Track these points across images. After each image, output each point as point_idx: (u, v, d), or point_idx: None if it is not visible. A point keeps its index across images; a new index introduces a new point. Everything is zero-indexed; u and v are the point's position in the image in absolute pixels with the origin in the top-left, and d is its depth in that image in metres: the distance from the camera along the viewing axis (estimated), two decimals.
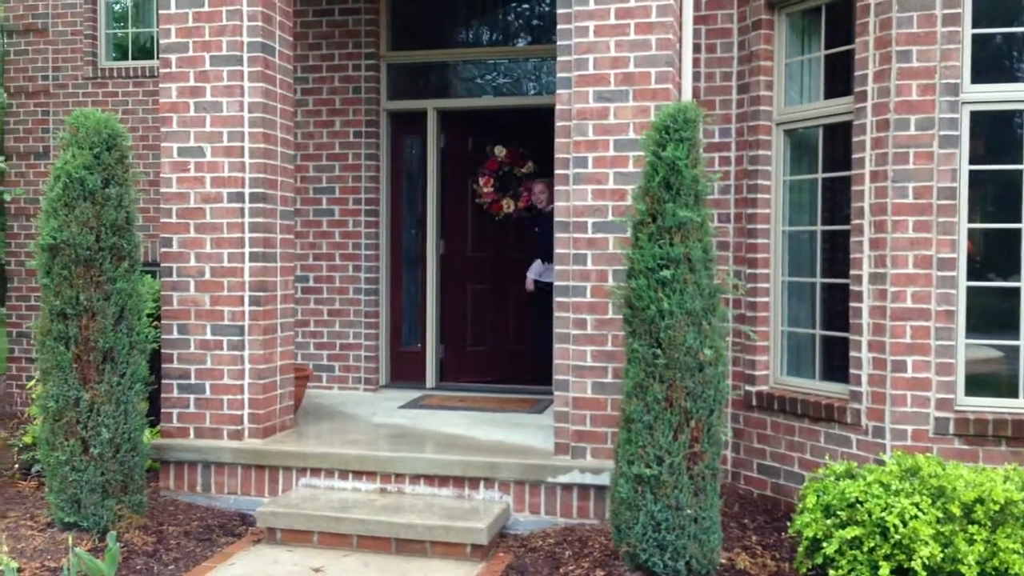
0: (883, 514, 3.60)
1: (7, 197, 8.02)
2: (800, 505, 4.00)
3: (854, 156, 4.67)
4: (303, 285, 7.29)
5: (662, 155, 3.93)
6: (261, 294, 5.32)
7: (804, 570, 3.88)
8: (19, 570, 4.21)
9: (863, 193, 4.60)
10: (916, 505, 3.59)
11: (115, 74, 8.56)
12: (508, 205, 7.38)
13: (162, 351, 5.40)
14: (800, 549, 3.90)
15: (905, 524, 3.54)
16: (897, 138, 4.47)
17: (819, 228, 5.09)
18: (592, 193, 4.81)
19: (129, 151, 4.89)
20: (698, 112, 4.01)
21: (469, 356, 7.54)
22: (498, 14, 7.44)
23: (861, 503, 3.69)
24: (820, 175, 5.07)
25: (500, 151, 7.37)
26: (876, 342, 4.55)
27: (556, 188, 4.93)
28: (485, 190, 7.41)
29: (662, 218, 3.94)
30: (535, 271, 7.36)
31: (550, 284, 6.97)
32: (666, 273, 3.89)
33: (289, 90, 5.66)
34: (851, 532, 3.62)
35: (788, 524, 4.72)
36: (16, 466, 5.81)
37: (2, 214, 10.47)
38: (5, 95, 8.60)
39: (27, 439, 5.88)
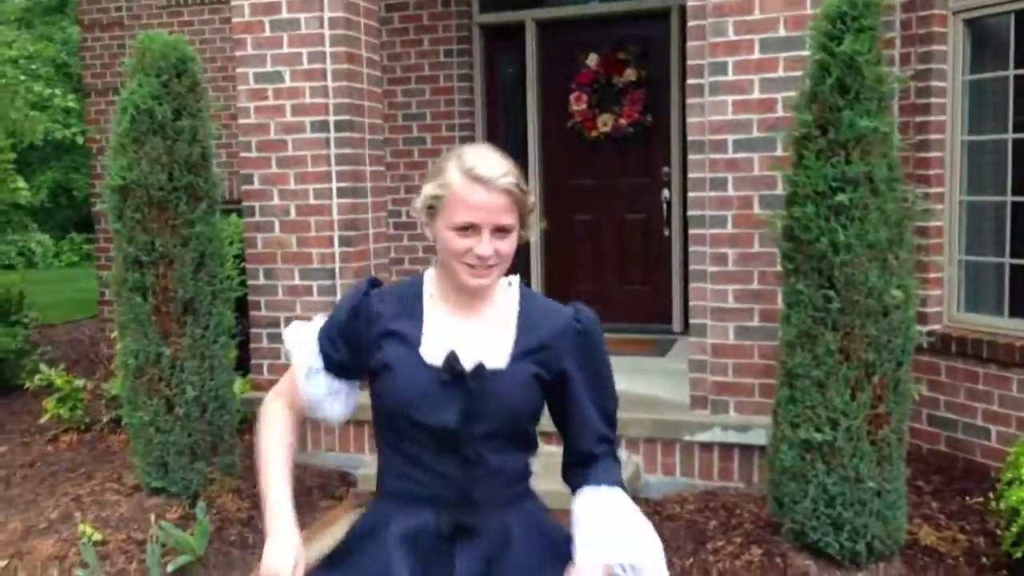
0: None
1: (78, 139, 7.66)
2: (1009, 474, 3.29)
3: None
4: (395, 220, 6.73)
5: (837, 50, 3.16)
6: (352, 233, 4.77)
7: (1018, 555, 3.19)
8: (103, 542, 3.84)
9: None
10: None
11: (191, 2, 8.05)
12: (604, 123, 6.54)
13: (249, 298, 4.93)
14: (1012, 528, 3.20)
15: None
16: None
17: (1010, 136, 4.23)
18: (733, 105, 4.06)
19: (201, 78, 4.35)
20: None
21: (579, 295, 6.90)
22: None
23: None
24: (1012, 71, 4.19)
25: (592, 59, 6.54)
26: None
27: (689, 102, 4.20)
28: (577, 108, 6.60)
29: (836, 130, 3.19)
30: None
31: None
32: (842, 197, 3.16)
33: (373, 2, 5.02)
34: None
35: (971, 486, 4.03)
36: (105, 419, 5.47)
37: (80, 152, 10.23)
38: (78, 29, 8.18)
39: (113, 391, 5.54)
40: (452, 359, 1.71)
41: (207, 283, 4.22)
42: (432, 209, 1.73)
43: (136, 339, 4.16)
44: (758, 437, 3.99)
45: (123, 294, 4.19)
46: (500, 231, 1.70)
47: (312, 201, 4.76)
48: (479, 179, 1.66)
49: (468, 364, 1.72)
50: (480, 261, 1.69)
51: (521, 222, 1.75)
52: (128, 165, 4.10)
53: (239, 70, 4.85)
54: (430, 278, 1.83)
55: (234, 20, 4.86)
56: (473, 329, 1.78)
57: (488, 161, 1.69)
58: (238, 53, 4.85)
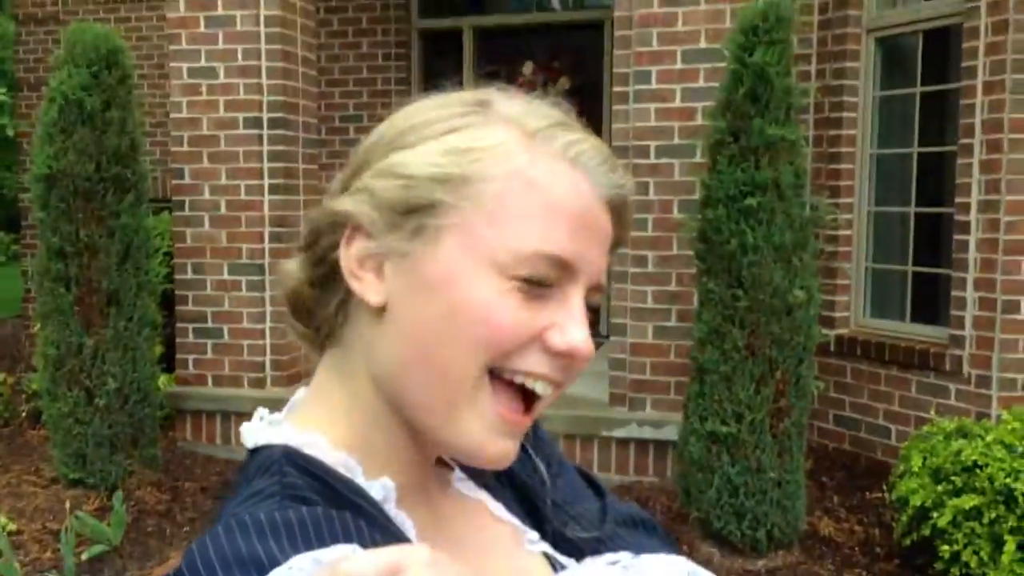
0: (1007, 480, 3.06)
1: (9, 132, 7.55)
2: (901, 467, 3.47)
3: (963, 65, 4.02)
4: None
5: (748, 61, 3.32)
6: (282, 230, 4.80)
7: (908, 543, 3.36)
8: (17, 532, 3.80)
9: (974, 108, 3.96)
10: None
11: None
12: None
13: (176, 293, 4.93)
14: (902, 518, 3.37)
15: None
16: (1017, 42, 3.82)
17: (915, 150, 4.46)
18: (655, 112, 4.21)
19: (132, 70, 4.36)
20: (791, 9, 3.39)
21: None
22: None
23: (980, 467, 3.14)
24: (918, 88, 4.42)
25: (527, 68, 6.70)
26: (984, 280, 3.96)
27: (614, 108, 4.34)
28: None
29: (747, 137, 3.35)
30: None
31: None
32: (751, 201, 3.31)
33: (310, 2, 5.07)
34: (969, 501, 3.09)
35: (872, 482, 4.21)
36: (24, 414, 5.41)
37: (11, 148, 10.08)
38: (12, 23, 8.07)
39: (34, 386, 5.48)
40: None
41: (132, 275, 4.22)
42: (418, 215, 0.70)
43: (57, 330, 4.14)
44: (672, 433, 4.12)
45: (45, 284, 4.17)
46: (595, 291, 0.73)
47: (243, 197, 4.78)
48: (588, 165, 0.71)
49: None
50: (562, 372, 0.72)
51: None
52: (55, 154, 4.09)
53: (172, 64, 4.86)
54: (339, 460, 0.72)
55: (168, 14, 4.87)
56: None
57: (585, 137, 0.73)
58: (172, 48, 4.86)
